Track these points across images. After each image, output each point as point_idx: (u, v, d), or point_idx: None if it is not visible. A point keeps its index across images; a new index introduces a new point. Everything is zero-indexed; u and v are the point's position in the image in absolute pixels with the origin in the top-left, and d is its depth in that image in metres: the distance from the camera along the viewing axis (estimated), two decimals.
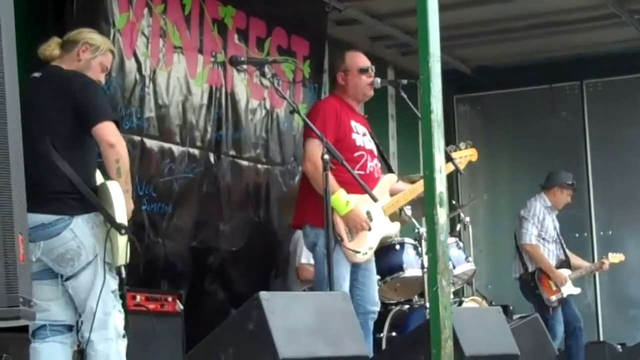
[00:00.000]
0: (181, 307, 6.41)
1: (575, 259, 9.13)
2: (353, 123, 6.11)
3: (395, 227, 6.30)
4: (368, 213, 5.97)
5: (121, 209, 4.63)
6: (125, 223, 4.64)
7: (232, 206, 7.54)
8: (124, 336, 4.73)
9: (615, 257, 9.25)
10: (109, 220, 4.62)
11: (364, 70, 6.22)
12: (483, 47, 10.40)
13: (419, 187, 6.12)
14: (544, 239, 8.92)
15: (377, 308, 6.16)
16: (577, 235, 10.52)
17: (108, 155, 4.66)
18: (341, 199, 5.79)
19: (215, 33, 7.49)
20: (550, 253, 8.93)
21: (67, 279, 4.70)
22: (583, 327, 8.90)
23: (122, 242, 4.65)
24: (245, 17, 7.81)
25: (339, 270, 5.71)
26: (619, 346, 9.48)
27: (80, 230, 4.64)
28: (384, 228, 6.17)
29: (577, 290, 8.98)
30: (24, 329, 4.63)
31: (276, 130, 8.07)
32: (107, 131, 4.66)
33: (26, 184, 3.62)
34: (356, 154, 6.01)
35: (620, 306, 10.57)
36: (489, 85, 11.17)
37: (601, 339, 10.23)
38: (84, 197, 4.63)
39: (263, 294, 4.35)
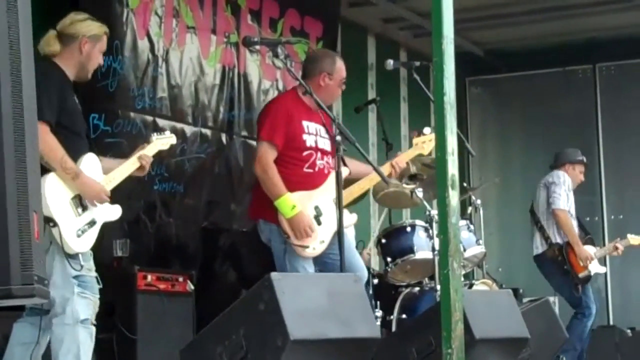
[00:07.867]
0: (192, 287, 6.42)
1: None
2: (305, 123, 5.92)
3: (352, 218, 6.12)
4: (317, 208, 5.85)
5: (46, 200, 4.58)
6: (53, 215, 4.60)
7: (244, 187, 7.53)
8: (83, 321, 4.69)
9: (635, 239, 8.80)
10: None
11: (344, 83, 6.10)
12: (496, 29, 10.35)
13: (374, 178, 6.00)
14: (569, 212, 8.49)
15: (363, 272, 5.95)
16: (587, 219, 10.45)
17: None
18: (288, 203, 5.70)
19: (229, 13, 7.48)
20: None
21: None
22: (596, 310, 8.78)
23: (56, 232, 4.62)
24: None
25: (298, 261, 5.71)
26: (628, 330, 9.47)
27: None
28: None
29: (603, 269, 8.80)
30: (14, 307, 4.63)
31: None
32: None
33: None
34: (305, 153, 5.88)
35: (631, 290, 10.56)
36: (502, 68, 11.13)
37: (611, 323, 10.22)
38: None
39: (274, 275, 4.35)
